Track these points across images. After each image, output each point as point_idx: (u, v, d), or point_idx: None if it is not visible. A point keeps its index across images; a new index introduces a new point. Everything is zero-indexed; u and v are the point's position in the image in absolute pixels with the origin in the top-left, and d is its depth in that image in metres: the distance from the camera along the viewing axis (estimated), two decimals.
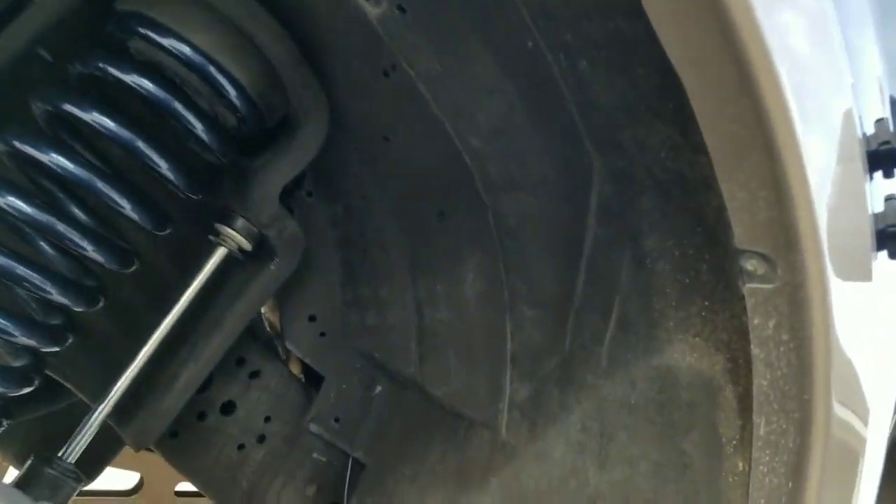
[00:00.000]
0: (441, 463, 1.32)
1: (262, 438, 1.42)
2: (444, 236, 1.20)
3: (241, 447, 1.41)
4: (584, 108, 0.86)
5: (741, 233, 0.69)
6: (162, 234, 1.04)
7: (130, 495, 2.54)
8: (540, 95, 0.89)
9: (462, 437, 1.28)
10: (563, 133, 0.92)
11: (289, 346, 1.39)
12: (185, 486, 2.57)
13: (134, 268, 1.05)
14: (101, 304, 1.03)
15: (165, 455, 1.37)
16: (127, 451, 2.48)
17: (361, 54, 1.00)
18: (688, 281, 0.87)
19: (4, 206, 0.88)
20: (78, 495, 1.07)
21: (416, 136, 1.08)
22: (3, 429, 1.05)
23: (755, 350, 0.75)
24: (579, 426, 1.10)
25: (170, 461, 1.37)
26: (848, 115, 0.71)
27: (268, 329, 1.43)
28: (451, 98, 0.98)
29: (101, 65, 0.91)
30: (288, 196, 1.30)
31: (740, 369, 0.83)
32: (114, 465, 2.51)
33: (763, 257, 0.70)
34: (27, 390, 1.00)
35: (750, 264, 0.71)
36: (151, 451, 1.36)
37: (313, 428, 1.42)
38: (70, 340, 1.02)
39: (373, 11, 0.91)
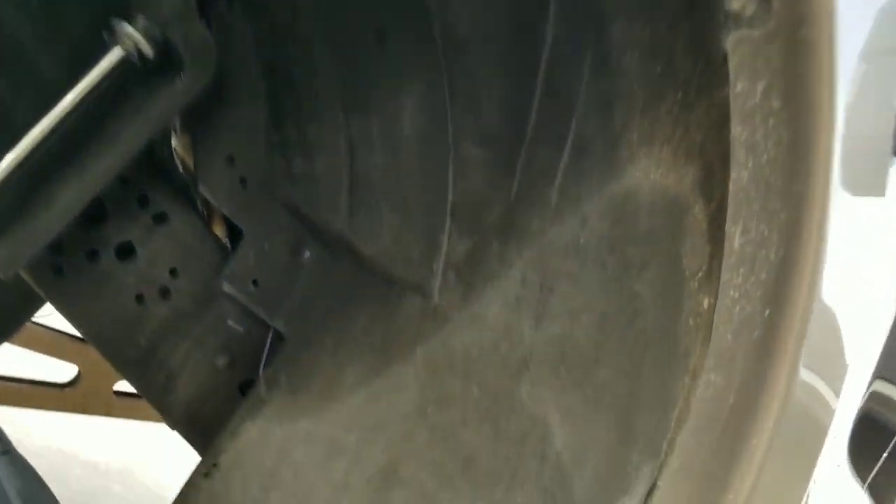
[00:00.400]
0: (365, 334, 1.16)
1: (165, 293, 1.24)
2: (382, 62, 1.02)
3: (139, 299, 1.23)
4: None
5: None
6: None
7: (64, 388, 2.37)
8: None
9: (392, 306, 1.12)
10: None
11: (202, 190, 1.21)
12: (125, 386, 2.40)
13: None
14: None
15: (49, 297, 1.19)
16: (67, 341, 2.33)
17: None
18: (659, 70, 0.69)
19: None
20: (9, 381, 0.90)
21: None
22: None
23: (736, 129, 0.58)
24: (519, 280, 0.93)
25: (55, 304, 1.20)
26: None
27: (181, 171, 1.25)
28: None
29: None
30: (206, 8, 1.11)
31: (715, 179, 0.66)
32: (51, 355, 2.35)
33: None
34: None
35: (736, 2, 0.54)
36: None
37: (227, 287, 1.25)
38: None
39: None
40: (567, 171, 0.85)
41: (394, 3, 0.99)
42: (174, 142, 1.26)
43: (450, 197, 1.03)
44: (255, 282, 1.26)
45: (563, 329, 0.85)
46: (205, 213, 1.33)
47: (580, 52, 0.79)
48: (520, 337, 0.91)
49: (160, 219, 1.22)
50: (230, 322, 1.29)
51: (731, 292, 0.62)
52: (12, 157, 0.96)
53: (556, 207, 0.87)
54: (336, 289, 1.22)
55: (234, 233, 1.30)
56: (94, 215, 1.17)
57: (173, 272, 1.24)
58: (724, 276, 0.62)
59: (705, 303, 0.68)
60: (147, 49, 0.98)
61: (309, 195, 1.19)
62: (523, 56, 0.87)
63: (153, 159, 1.22)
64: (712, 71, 0.62)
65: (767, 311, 0.60)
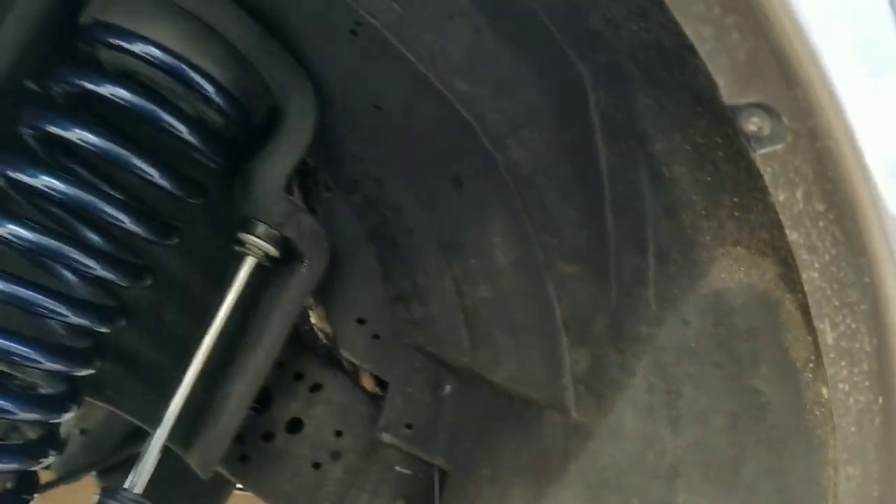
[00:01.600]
0: (517, 458, 1.21)
1: (336, 455, 1.38)
2: (464, 206, 1.12)
3: (316, 466, 1.37)
4: (545, 4, 0.76)
5: (726, 83, 0.55)
6: (169, 241, 1.05)
7: None
8: (497, 6, 0.81)
9: (534, 426, 1.17)
10: (539, 46, 0.82)
11: (344, 353, 1.35)
12: None
13: (148, 281, 1.06)
14: (121, 323, 1.05)
15: (241, 481, 1.37)
16: None
17: (323, 19, 0.96)
18: (709, 178, 0.72)
19: (6, 236, 0.92)
20: None
21: (404, 96, 1.02)
22: (51, 461, 1.09)
23: (792, 235, 0.60)
24: (645, 387, 0.95)
25: (245, 485, 1.37)
26: None
27: (323, 340, 1.40)
28: (419, 38, 0.91)
29: (73, 80, 0.94)
30: (309, 195, 1.28)
31: (793, 271, 0.67)
32: None
33: (762, 108, 0.55)
34: (67, 417, 1.02)
35: (751, 123, 0.57)
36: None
37: (386, 438, 1.36)
38: (99, 363, 1.04)
39: None
40: (657, 276, 0.88)
41: (462, 154, 1.09)
42: (311, 317, 1.42)
43: (558, 314, 1.08)
44: (408, 425, 1.36)
45: (700, 433, 0.85)
46: (351, 371, 1.47)
47: (635, 169, 0.84)
48: (661, 445, 0.92)
49: (316, 388, 1.38)
50: (398, 468, 1.39)
51: (841, 385, 0.62)
52: (191, 374, 1.14)
53: (657, 312, 0.89)
54: (479, 417, 1.29)
55: (381, 382, 1.43)
56: (263, 401, 1.34)
57: (338, 434, 1.38)
58: (830, 371, 0.62)
59: (824, 392, 0.67)
60: (273, 251, 1.15)
61: (432, 336, 1.29)
62: (585, 180, 0.93)
63: (297, 337, 1.39)
64: (756, 177, 0.65)
65: (881, 399, 0.59)
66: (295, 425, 1.37)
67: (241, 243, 1.14)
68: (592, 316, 1.02)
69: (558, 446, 1.12)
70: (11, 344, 0.93)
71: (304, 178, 1.27)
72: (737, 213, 0.71)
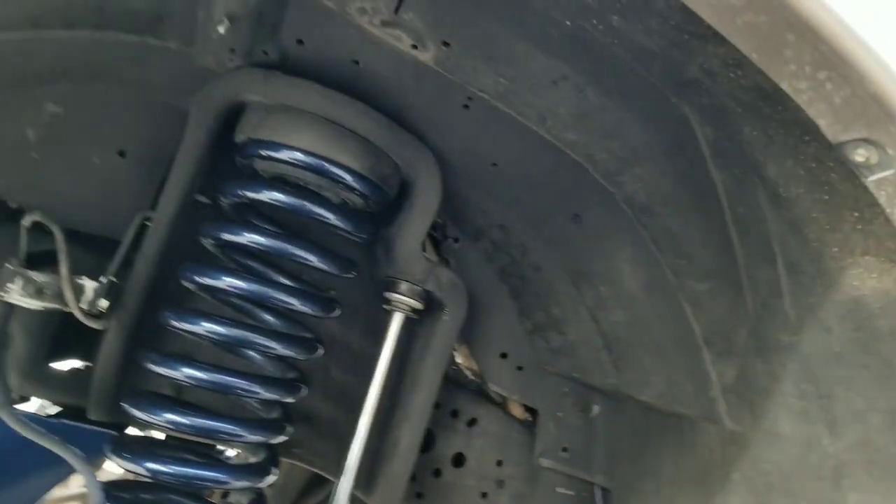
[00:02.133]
0: (678, 470, 1.26)
1: (500, 483, 1.48)
2: (587, 237, 1.20)
3: (483, 495, 1.48)
4: (642, 60, 0.83)
5: (828, 125, 0.61)
6: (332, 315, 1.20)
7: None
8: (597, 66, 0.89)
9: (690, 438, 1.22)
10: (641, 93, 0.89)
11: (492, 387, 1.46)
12: None
13: (321, 352, 1.21)
14: (304, 392, 1.20)
15: None
16: None
17: (438, 99, 1.07)
18: (827, 197, 0.77)
19: (203, 332, 1.10)
20: None
21: (517, 152, 1.12)
22: None
23: None
24: (796, 393, 0.99)
25: None
26: None
27: (471, 377, 1.52)
28: (528, 103, 1.01)
29: (237, 192, 1.11)
30: (439, 248, 1.40)
31: None
32: None
33: (866, 142, 0.61)
34: (271, 481, 1.19)
35: (858, 155, 0.62)
36: None
37: (545, 462, 1.45)
38: (291, 429, 1.20)
39: (426, 56, 0.99)
40: (791, 287, 0.92)
41: (577, 193, 1.17)
42: (457, 357, 1.54)
43: (697, 331, 1.13)
44: (564, 448, 1.45)
45: (860, 433, 0.88)
46: (499, 402, 1.57)
47: (752, 192, 0.89)
48: (822, 447, 0.95)
49: (472, 423, 1.50)
50: (560, 489, 1.47)
51: None
52: (364, 425, 1.28)
53: (796, 321, 0.93)
54: (632, 434, 1.35)
55: (529, 409, 1.52)
56: (427, 441, 1.47)
57: (499, 463, 1.48)
58: None
59: None
60: (418, 305, 1.28)
61: (575, 362, 1.37)
62: (704, 204, 0.98)
63: (448, 377, 1.51)
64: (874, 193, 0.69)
65: None
66: (459, 460, 1.48)
67: (389, 301, 1.28)
68: (733, 329, 1.06)
69: (717, 456, 1.16)
70: (220, 424, 1.10)
71: (433, 234, 1.40)
72: (860, 226, 0.75)
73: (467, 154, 1.19)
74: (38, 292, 1.06)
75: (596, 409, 1.44)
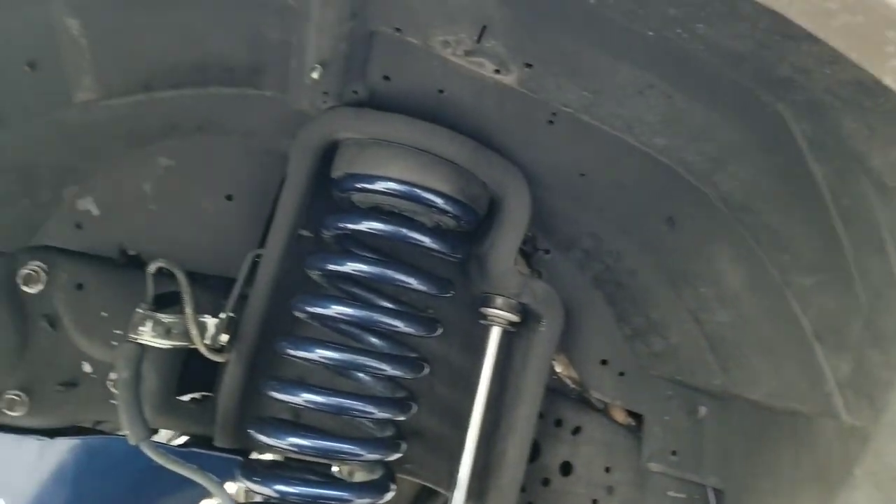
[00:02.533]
0: (796, 468, 1.24)
1: (610, 489, 1.49)
2: (683, 239, 1.20)
3: (594, 502, 1.49)
4: (730, 63, 0.83)
5: None
6: (435, 334, 1.24)
7: None
8: (684, 73, 0.89)
9: (806, 435, 1.20)
10: (731, 94, 0.89)
11: (594, 394, 1.47)
12: None
13: (427, 370, 1.26)
14: (415, 409, 1.25)
15: None
16: None
17: (522, 117, 1.10)
18: None
19: (317, 358, 1.16)
20: None
21: (605, 161, 1.13)
22: None
23: None
24: None
25: None
26: None
27: (572, 385, 1.53)
28: (614, 114, 1.02)
29: (338, 224, 1.17)
30: (530, 260, 1.42)
31: None
32: None
33: None
34: (389, 497, 1.24)
35: None
36: None
37: (654, 467, 1.44)
38: (405, 446, 1.25)
39: (509, 79, 1.02)
40: None
41: (670, 196, 1.17)
42: (557, 367, 1.55)
43: (806, 326, 1.11)
44: (673, 452, 1.44)
45: None
46: (601, 408, 1.57)
47: (856, 182, 0.87)
48: None
49: (577, 431, 1.50)
50: (671, 493, 1.47)
51: None
52: (471, 438, 1.31)
53: None
54: (743, 433, 1.33)
55: (632, 413, 1.52)
56: (532, 451, 1.49)
57: (607, 469, 1.49)
58: None
59: None
60: (514, 318, 1.31)
61: (679, 365, 1.36)
62: (804, 197, 0.96)
63: (549, 387, 1.53)
64: None
65: None
66: (566, 468, 1.50)
67: (486, 316, 1.32)
68: (845, 322, 1.04)
69: (837, 452, 1.13)
70: (340, 444, 1.16)
71: (524, 247, 1.42)
72: None
73: (554, 167, 1.21)
74: (167, 332, 1.15)
75: (703, 410, 1.42)
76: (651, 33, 0.86)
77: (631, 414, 1.55)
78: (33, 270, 1.21)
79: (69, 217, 1.21)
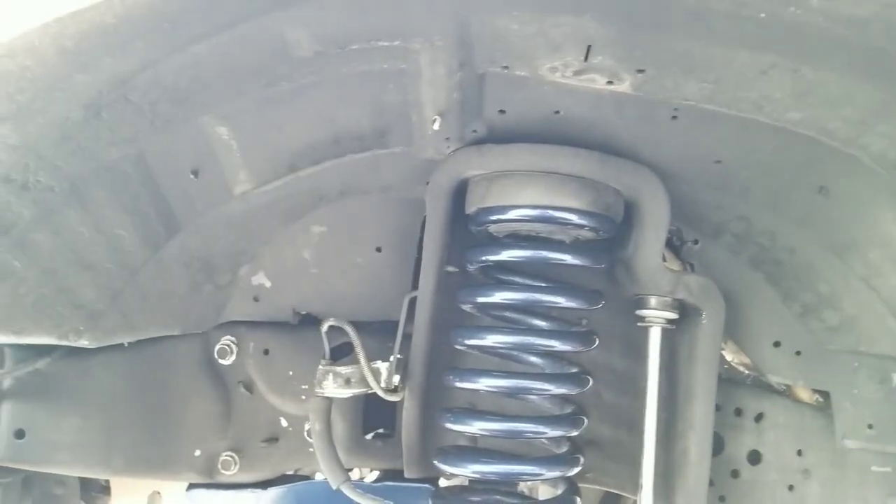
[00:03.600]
0: None
1: (806, 473, 1.42)
2: (839, 207, 1.13)
3: (791, 488, 1.43)
4: (855, 28, 0.79)
5: None
6: (592, 347, 1.25)
7: None
8: (808, 46, 0.86)
9: None
10: (863, 56, 0.85)
11: (771, 378, 1.41)
12: None
13: (591, 383, 1.28)
14: (585, 423, 1.27)
15: None
16: None
17: (643, 119, 1.10)
18: None
19: (486, 389, 1.22)
20: None
21: (739, 144, 1.10)
22: None
23: None
24: None
25: None
26: None
27: (745, 372, 1.48)
28: (739, 97, 0.99)
29: (481, 258, 1.22)
30: (680, 253, 1.40)
31: None
32: None
33: None
34: None
35: None
36: None
37: (850, 444, 1.36)
38: (582, 460, 1.27)
39: (623, 86, 1.02)
40: None
41: (816, 165, 1.12)
42: (726, 355, 1.51)
43: None
44: (869, 425, 1.35)
45: None
46: (783, 391, 1.51)
47: None
48: None
49: (759, 418, 1.45)
50: (875, 468, 1.38)
51: None
52: (649, 440, 1.30)
53: None
54: None
55: (820, 392, 1.44)
56: (716, 445, 1.45)
57: (799, 453, 1.42)
58: None
59: None
60: (672, 315, 1.29)
61: (859, 336, 1.28)
62: None
63: (721, 377, 1.49)
64: None
65: None
66: (755, 457, 1.45)
67: (643, 318, 1.31)
68: None
69: None
70: (522, 466, 1.21)
71: (671, 240, 1.40)
72: None
73: (686, 159, 1.19)
74: (347, 382, 1.25)
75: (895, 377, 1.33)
76: (763, 15, 0.84)
77: (817, 392, 1.47)
78: (226, 345, 1.37)
79: (247, 292, 1.36)
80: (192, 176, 1.13)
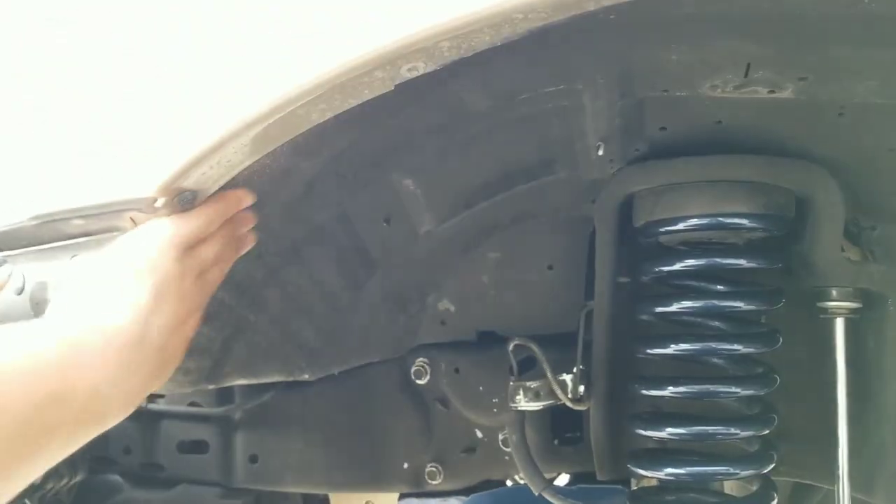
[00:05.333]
0: None
1: None
2: None
3: None
4: None
5: None
6: (776, 346, 1.29)
7: None
8: None
9: None
10: None
11: None
12: None
13: (777, 381, 1.31)
14: (775, 421, 1.31)
15: None
16: None
17: (809, 121, 1.13)
18: None
19: (672, 395, 1.29)
20: None
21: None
22: None
23: None
24: None
25: None
26: None
27: None
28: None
29: (655, 269, 1.30)
30: (858, 240, 1.39)
31: None
32: None
33: None
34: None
35: None
36: None
37: None
38: (775, 456, 1.31)
39: (785, 94, 1.06)
40: None
41: None
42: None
43: None
44: None
45: None
46: None
47: None
48: None
49: None
50: None
51: None
52: (843, 431, 1.31)
53: None
54: None
55: None
56: None
57: None
58: None
59: None
60: (856, 305, 1.30)
61: None
62: None
63: None
64: None
65: None
66: None
67: (826, 310, 1.33)
68: None
69: None
70: (714, 467, 1.28)
71: (847, 230, 1.40)
72: None
73: (857, 151, 1.20)
74: (536, 395, 1.37)
75: None
76: None
77: None
78: (420, 366, 1.54)
79: (435, 318, 1.53)
80: (384, 224, 1.29)
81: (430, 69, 0.74)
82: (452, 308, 1.52)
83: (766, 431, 1.30)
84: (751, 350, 1.27)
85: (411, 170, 1.23)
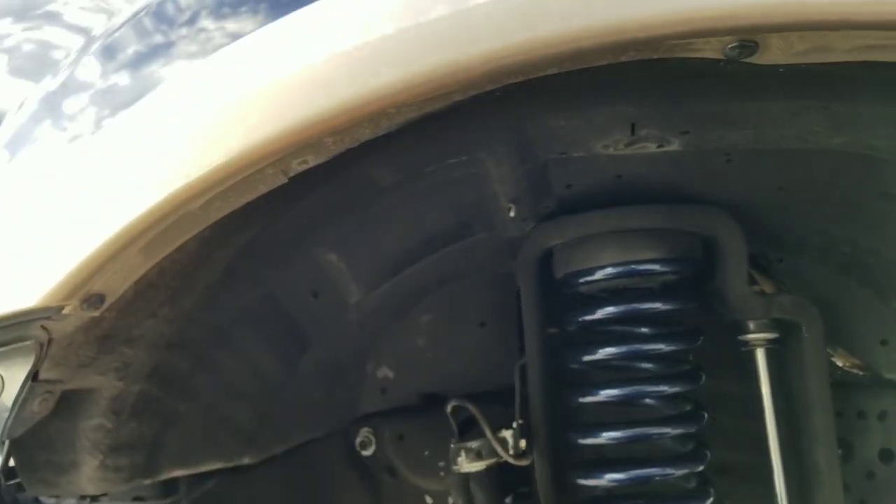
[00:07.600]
0: None
1: None
2: None
3: None
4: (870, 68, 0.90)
5: None
6: (700, 383, 1.37)
7: None
8: (834, 88, 0.98)
9: None
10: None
11: (886, 375, 1.48)
12: None
13: (706, 417, 1.38)
14: (708, 457, 1.37)
15: None
16: None
17: (699, 167, 1.23)
18: None
19: (608, 441, 1.35)
20: None
21: (795, 170, 1.23)
22: None
23: None
24: None
25: None
26: None
27: (861, 374, 1.54)
28: (782, 135, 1.12)
29: (578, 319, 1.37)
30: (768, 273, 1.49)
31: None
32: None
33: None
34: None
35: None
36: None
37: None
38: (713, 490, 1.37)
39: (673, 146, 1.17)
40: None
41: (872, 178, 1.22)
42: (837, 361, 1.57)
43: None
44: None
45: None
46: None
47: None
48: None
49: (882, 416, 1.51)
50: None
51: None
52: (776, 459, 1.39)
53: None
54: None
55: None
56: (846, 450, 1.51)
57: None
58: None
59: None
60: (773, 335, 1.39)
61: None
62: None
63: (838, 382, 1.55)
64: None
65: None
66: (886, 455, 1.50)
67: (746, 343, 1.41)
68: None
69: None
70: None
71: (757, 263, 1.50)
72: None
73: (749, 192, 1.31)
74: (478, 455, 1.41)
75: None
76: (781, 70, 0.96)
77: None
78: (365, 437, 1.57)
79: (375, 386, 1.57)
80: (313, 298, 1.34)
81: (320, 161, 0.80)
82: (391, 374, 1.56)
83: (701, 468, 1.36)
84: (676, 389, 1.35)
85: (332, 244, 1.29)
